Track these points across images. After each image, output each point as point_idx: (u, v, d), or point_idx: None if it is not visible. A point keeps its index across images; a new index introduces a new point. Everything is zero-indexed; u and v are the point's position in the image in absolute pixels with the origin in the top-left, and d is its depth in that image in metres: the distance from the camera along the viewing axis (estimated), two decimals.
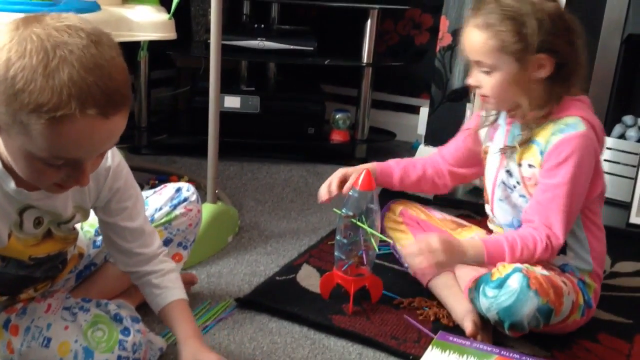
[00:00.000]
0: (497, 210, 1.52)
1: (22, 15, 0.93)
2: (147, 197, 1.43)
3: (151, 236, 1.25)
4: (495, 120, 1.52)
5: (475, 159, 1.59)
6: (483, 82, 1.39)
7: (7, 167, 0.99)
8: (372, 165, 1.60)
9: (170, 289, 1.23)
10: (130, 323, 1.19)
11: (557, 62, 1.34)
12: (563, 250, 1.44)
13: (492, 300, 1.30)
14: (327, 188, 1.54)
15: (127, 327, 1.18)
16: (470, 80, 1.41)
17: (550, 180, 1.36)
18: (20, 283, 1.18)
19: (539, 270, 1.33)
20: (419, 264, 1.35)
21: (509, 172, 1.47)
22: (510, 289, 1.28)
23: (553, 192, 1.36)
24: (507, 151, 1.45)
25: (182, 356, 1.17)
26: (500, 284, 1.30)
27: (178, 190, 1.43)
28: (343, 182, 1.54)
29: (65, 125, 0.86)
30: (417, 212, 1.66)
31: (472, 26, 1.36)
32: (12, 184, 1.01)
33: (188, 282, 1.53)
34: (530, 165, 1.41)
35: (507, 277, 1.30)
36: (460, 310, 1.45)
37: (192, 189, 1.45)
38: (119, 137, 0.95)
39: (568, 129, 1.35)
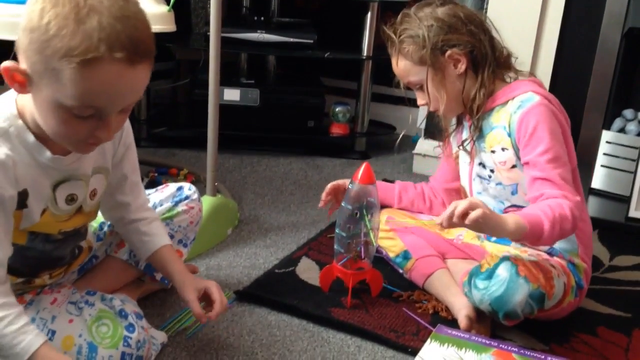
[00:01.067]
0: None
1: (23, 5, 0.95)
2: (149, 195, 1.45)
3: (140, 185, 1.32)
4: (457, 126, 1.60)
5: (456, 168, 1.64)
6: (424, 98, 1.50)
7: (40, 138, 1.04)
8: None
9: (158, 236, 1.31)
10: (135, 319, 1.19)
11: (467, 53, 1.43)
12: None
13: (484, 292, 1.32)
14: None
15: (132, 323, 1.18)
16: (419, 102, 1.53)
17: (533, 154, 1.38)
18: (40, 263, 1.20)
19: (526, 257, 1.35)
20: (458, 215, 1.24)
21: (481, 165, 1.50)
22: (499, 279, 1.30)
23: (542, 162, 1.37)
24: (463, 146, 1.52)
25: (184, 288, 1.26)
26: (490, 275, 1.32)
27: (180, 188, 1.47)
28: (336, 189, 1.64)
29: (94, 70, 0.91)
30: (403, 217, 1.68)
31: (392, 58, 1.52)
32: (47, 153, 1.06)
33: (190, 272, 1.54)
34: (503, 149, 1.45)
35: (496, 267, 1.32)
36: (457, 305, 1.45)
37: (193, 188, 1.49)
38: (142, 92, 1.00)
39: (524, 103, 1.41)
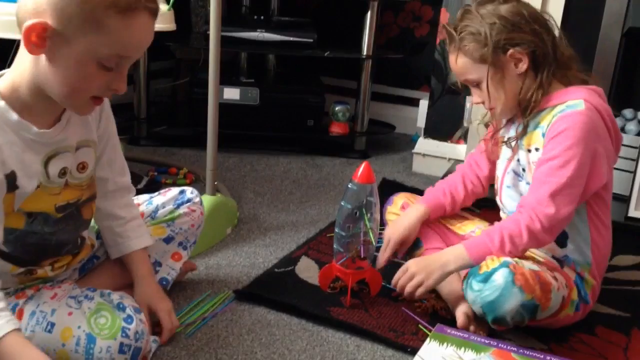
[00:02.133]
0: (505, 198, 1.52)
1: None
2: (151, 197, 1.48)
3: (125, 168, 1.36)
4: (507, 122, 1.54)
5: (495, 159, 1.60)
6: (481, 96, 1.46)
7: (23, 115, 1.07)
8: (423, 208, 1.59)
9: (131, 239, 1.35)
10: (133, 312, 1.20)
11: (529, 52, 1.40)
12: (564, 242, 1.44)
13: (477, 294, 1.32)
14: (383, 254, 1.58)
15: (130, 315, 1.19)
16: (474, 99, 1.49)
17: (545, 155, 1.37)
18: (42, 249, 1.21)
19: (528, 265, 1.33)
20: (409, 293, 1.43)
21: (518, 161, 1.48)
22: (494, 284, 1.29)
23: (546, 166, 1.37)
24: (508, 142, 1.48)
25: (136, 295, 1.31)
26: (486, 278, 1.31)
27: (182, 191, 1.50)
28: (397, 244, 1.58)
29: (133, 18, 1.01)
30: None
31: (450, 54, 1.48)
32: (33, 129, 1.09)
33: (187, 269, 1.55)
34: (537, 149, 1.43)
35: (493, 271, 1.31)
36: (455, 302, 1.45)
37: (195, 192, 1.51)
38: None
39: (568, 108, 1.38)
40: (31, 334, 1.15)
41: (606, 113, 1.39)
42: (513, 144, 1.47)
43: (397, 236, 1.56)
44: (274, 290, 1.54)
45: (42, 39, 0.99)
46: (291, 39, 2.60)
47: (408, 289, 1.42)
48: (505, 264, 1.31)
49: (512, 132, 1.51)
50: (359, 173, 1.46)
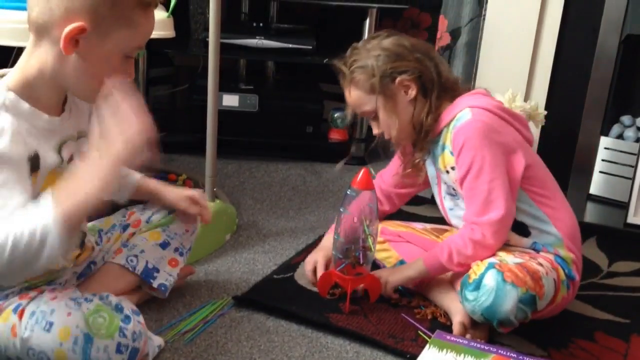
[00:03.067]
0: (453, 219, 1.58)
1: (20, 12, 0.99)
2: (145, 204, 1.50)
3: None
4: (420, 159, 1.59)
5: (412, 180, 1.65)
6: (378, 127, 1.53)
7: (33, 105, 1.14)
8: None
9: (131, 174, 1.44)
10: (131, 312, 1.20)
11: (415, 78, 1.47)
12: (526, 232, 1.47)
13: (474, 303, 1.33)
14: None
15: (128, 315, 1.19)
16: (374, 132, 1.56)
17: (460, 173, 1.44)
18: None
19: (511, 260, 1.35)
20: (390, 295, 1.53)
21: (445, 183, 1.54)
22: (487, 288, 1.31)
23: (466, 181, 1.43)
24: (407, 169, 1.59)
25: (169, 196, 1.46)
26: (477, 285, 1.33)
27: None
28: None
29: (150, 12, 1.15)
30: (396, 227, 1.69)
31: (344, 90, 1.56)
32: (45, 116, 1.16)
33: (186, 274, 1.56)
34: (452, 168, 1.48)
35: (482, 276, 1.33)
36: (452, 310, 1.46)
37: None
38: None
39: (457, 122, 1.45)
40: (30, 333, 1.15)
41: (495, 107, 1.46)
42: (425, 166, 1.56)
43: (322, 258, 1.60)
44: (273, 296, 1.54)
45: (76, 40, 1.09)
46: (290, 45, 2.61)
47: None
48: (490, 266, 1.33)
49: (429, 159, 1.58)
50: (358, 179, 1.46)
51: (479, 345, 1.34)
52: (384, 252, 1.64)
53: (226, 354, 1.33)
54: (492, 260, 1.36)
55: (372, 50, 1.49)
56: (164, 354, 1.30)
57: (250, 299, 1.52)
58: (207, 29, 1.95)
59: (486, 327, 1.43)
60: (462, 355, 1.31)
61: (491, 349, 1.33)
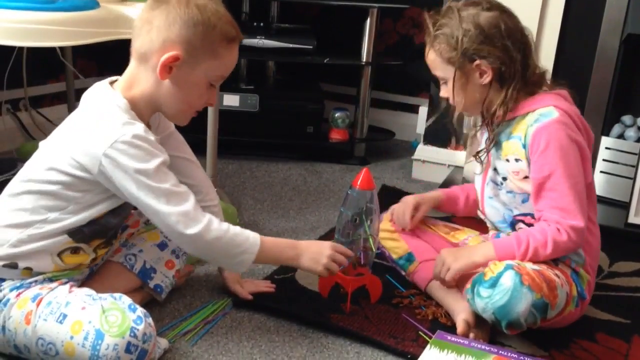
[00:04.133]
0: (488, 208, 1.54)
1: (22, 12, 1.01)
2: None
3: (198, 166, 1.54)
4: (477, 130, 1.58)
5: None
6: (447, 92, 1.50)
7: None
8: (438, 192, 1.68)
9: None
10: (142, 314, 1.21)
11: (494, 67, 1.42)
12: None
13: (487, 300, 1.31)
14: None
15: (140, 316, 1.20)
16: (441, 94, 1.53)
17: (542, 172, 1.39)
18: (101, 232, 1.32)
19: (530, 266, 1.34)
20: (447, 282, 1.46)
21: (495, 170, 1.50)
22: (503, 287, 1.29)
23: (550, 182, 1.38)
24: (478, 157, 1.52)
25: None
26: (494, 283, 1.31)
27: None
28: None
29: (234, 47, 1.30)
30: None
31: (426, 46, 1.51)
32: (152, 137, 1.26)
33: (185, 273, 1.57)
34: (517, 160, 1.44)
35: (500, 275, 1.31)
36: (456, 309, 1.45)
37: None
38: None
39: (542, 118, 1.40)
40: (43, 322, 1.18)
41: (575, 115, 1.42)
42: (483, 157, 1.51)
43: (412, 199, 1.62)
44: (274, 297, 1.54)
45: (171, 67, 1.24)
46: (291, 45, 2.61)
47: (439, 274, 1.45)
48: (509, 267, 1.31)
49: (482, 141, 1.55)
50: (359, 179, 1.46)
51: (480, 346, 1.34)
52: (393, 242, 1.62)
53: (227, 354, 1.33)
54: (510, 262, 1.34)
55: (464, 21, 1.41)
56: (166, 354, 1.30)
57: (251, 300, 1.52)
58: None
59: (488, 328, 1.42)
60: (463, 355, 1.30)
61: (492, 349, 1.33)
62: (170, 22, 1.23)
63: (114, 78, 1.32)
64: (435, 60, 1.47)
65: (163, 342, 1.30)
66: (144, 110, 1.29)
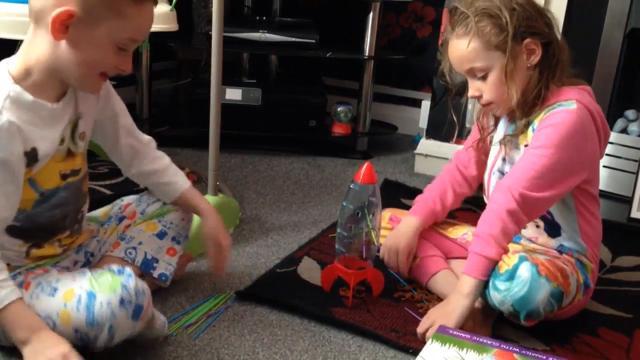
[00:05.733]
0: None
1: (23, 5, 1.00)
2: (140, 196, 1.50)
3: (136, 128, 1.44)
4: (495, 124, 1.55)
5: (485, 161, 1.61)
6: (482, 88, 1.42)
7: (36, 95, 1.17)
8: (417, 220, 1.59)
9: (178, 182, 1.47)
10: (133, 275, 1.19)
11: (543, 44, 1.37)
12: (558, 231, 1.46)
13: (505, 293, 1.31)
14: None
15: (130, 274, 1.19)
16: (470, 92, 1.44)
17: (532, 144, 1.37)
18: (50, 225, 1.27)
19: (542, 256, 1.34)
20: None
21: (504, 160, 1.49)
22: (522, 279, 1.29)
23: (528, 153, 1.37)
24: (506, 141, 1.47)
25: (205, 227, 1.47)
26: (511, 276, 1.31)
27: None
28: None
29: (144, 7, 1.16)
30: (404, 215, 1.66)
31: (454, 39, 1.41)
32: (47, 105, 1.19)
33: (185, 262, 1.57)
34: (526, 146, 1.42)
35: (516, 267, 1.31)
36: None
37: None
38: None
39: (558, 106, 1.37)
40: (36, 300, 1.17)
41: (596, 112, 1.40)
42: (508, 142, 1.46)
43: (405, 246, 1.56)
44: (276, 290, 1.54)
45: (66, 26, 1.11)
46: (293, 39, 2.60)
47: (428, 334, 1.36)
48: (523, 258, 1.31)
49: (500, 127, 1.52)
50: (361, 173, 1.46)
51: (482, 340, 1.34)
52: None
53: (229, 347, 1.33)
54: (523, 253, 1.33)
55: (505, 2, 1.35)
56: (167, 347, 1.30)
57: (253, 293, 1.52)
58: (210, 23, 1.95)
59: (490, 323, 1.43)
60: (465, 349, 1.30)
61: (494, 343, 1.33)
62: None
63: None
64: (477, 49, 1.36)
65: (161, 316, 1.29)
66: (44, 78, 1.17)
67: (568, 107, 1.36)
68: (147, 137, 1.46)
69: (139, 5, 1.15)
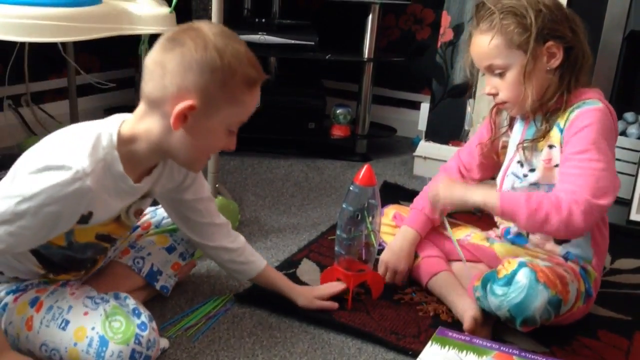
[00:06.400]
0: None
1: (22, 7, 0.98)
2: (156, 209, 1.51)
3: (216, 210, 1.44)
4: (511, 125, 1.54)
5: (490, 164, 1.61)
6: (499, 86, 1.41)
7: (126, 167, 1.15)
8: (414, 234, 1.60)
9: (255, 262, 1.46)
10: (147, 319, 1.20)
11: (565, 48, 1.37)
12: (564, 240, 1.45)
13: (502, 298, 1.31)
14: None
15: (145, 322, 1.19)
16: (487, 89, 1.44)
17: (574, 149, 1.35)
18: (71, 263, 1.27)
19: (541, 263, 1.33)
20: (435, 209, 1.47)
21: (519, 163, 1.48)
22: (519, 285, 1.29)
23: (577, 158, 1.34)
24: (526, 146, 1.45)
25: (299, 301, 1.46)
26: (509, 281, 1.30)
27: None
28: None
29: (256, 90, 1.18)
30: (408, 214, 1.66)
31: (477, 34, 1.41)
32: (130, 182, 1.17)
33: (189, 268, 1.57)
34: (550, 146, 1.41)
35: (515, 273, 1.30)
36: (461, 306, 1.45)
37: None
38: None
39: (585, 105, 1.37)
40: (45, 329, 1.17)
41: (613, 113, 1.40)
42: (527, 146, 1.44)
43: (404, 268, 1.57)
44: (276, 293, 1.54)
45: (185, 116, 1.11)
46: (292, 41, 2.60)
47: (431, 198, 1.44)
48: (522, 264, 1.31)
49: (516, 131, 1.51)
50: (361, 175, 1.46)
51: (481, 342, 1.34)
52: (394, 237, 1.62)
53: (229, 349, 1.33)
54: (523, 259, 1.33)
55: (532, 3, 1.35)
56: (167, 350, 1.30)
57: (252, 295, 1.52)
58: None
59: (490, 325, 1.42)
60: (465, 352, 1.31)
61: (494, 346, 1.33)
62: (185, 67, 1.09)
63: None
64: (500, 45, 1.36)
65: (163, 342, 1.30)
66: (144, 156, 1.17)
67: (593, 105, 1.36)
68: (223, 219, 1.45)
69: (253, 90, 1.17)
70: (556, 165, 1.40)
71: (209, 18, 2.10)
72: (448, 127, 2.48)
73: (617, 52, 2.19)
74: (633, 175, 2.08)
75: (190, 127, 1.13)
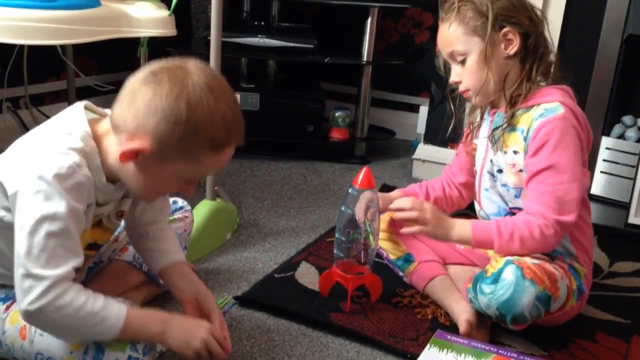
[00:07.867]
0: (484, 200, 1.54)
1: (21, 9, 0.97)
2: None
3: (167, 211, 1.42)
4: (481, 119, 1.56)
5: (470, 167, 1.61)
6: (461, 73, 1.45)
7: (102, 163, 1.13)
8: (397, 192, 1.63)
9: (169, 252, 1.34)
10: None
11: (522, 35, 1.39)
12: None
13: (490, 296, 1.32)
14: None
15: None
16: (451, 77, 1.47)
17: (538, 165, 1.37)
18: None
19: (529, 260, 1.34)
20: (409, 229, 1.44)
21: (492, 161, 1.49)
22: (506, 282, 1.30)
23: (542, 175, 1.37)
24: (492, 136, 1.47)
25: (204, 308, 1.29)
26: (496, 279, 1.32)
27: (175, 201, 1.55)
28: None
29: (223, 153, 1.11)
30: None
31: (440, 24, 1.46)
32: (103, 179, 1.14)
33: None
34: (515, 152, 1.43)
35: (501, 270, 1.32)
36: (457, 309, 1.45)
37: (185, 201, 1.56)
38: None
39: (547, 113, 1.38)
40: (40, 337, 1.15)
41: (579, 113, 1.41)
42: (497, 136, 1.45)
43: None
44: (274, 295, 1.54)
45: (136, 154, 1.08)
46: (291, 44, 2.61)
47: (412, 227, 1.43)
48: (509, 262, 1.32)
49: (482, 131, 1.53)
50: (359, 178, 1.46)
51: (479, 345, 1.34)
52: (391, 243, 1.62)
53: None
54: (510, 257, 1.34)
55: None
56: (166, 352, 1.30)
57: (251, 298, 1.52)
58: (208, 28, 1.94)
59: (487, 328, 1.43)
60: (463, 355, 1.31)
61: (492, 349, 1.33)
62: (150, 109, 1.05)
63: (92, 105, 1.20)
64: (456, 31, 1.41)
65: (160, 345, 1.29)
66: (108, 164, 1.14)
67: (555, 112, 1.37)
68: (168, 226, 1.39)
69: (219, 153, 1.11)
70: (520, 170, 1.42)
71: (208, 21, 2.11)
72: (447, 130, 2.48)
73: (616, 56, 2.20)
74: (631, 179, 2.08)
75: (142, 166, 1.10)
